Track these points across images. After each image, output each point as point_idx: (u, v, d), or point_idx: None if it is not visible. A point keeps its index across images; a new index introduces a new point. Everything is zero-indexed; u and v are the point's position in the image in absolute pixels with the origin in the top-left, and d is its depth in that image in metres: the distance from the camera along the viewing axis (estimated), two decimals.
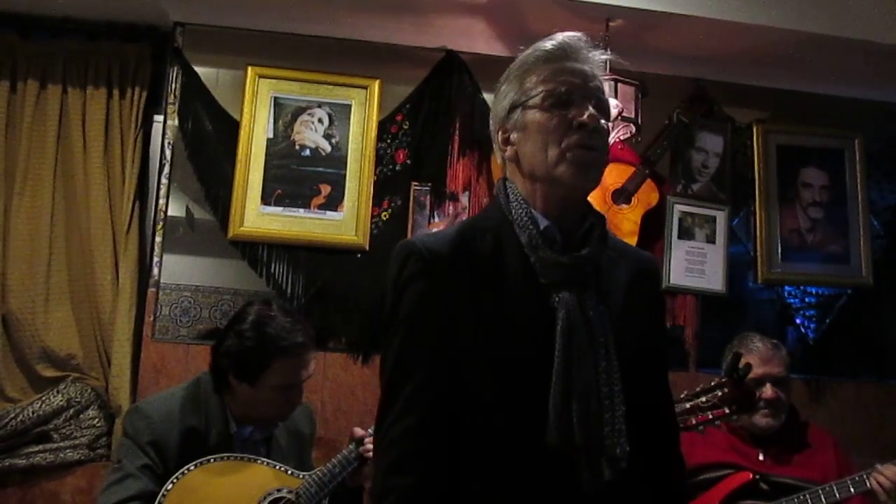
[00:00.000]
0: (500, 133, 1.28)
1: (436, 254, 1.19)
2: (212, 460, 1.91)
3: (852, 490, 2.12)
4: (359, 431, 2.03)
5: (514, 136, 1.25)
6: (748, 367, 1.84)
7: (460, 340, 1.16)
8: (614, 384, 1.16)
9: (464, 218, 2.97)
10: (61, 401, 2.71)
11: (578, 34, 1.27)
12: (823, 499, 2.14)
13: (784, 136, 3.26)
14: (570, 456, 1.12)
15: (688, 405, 1.85)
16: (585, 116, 1.19)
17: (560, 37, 1.26)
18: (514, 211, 1.23)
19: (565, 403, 1.12)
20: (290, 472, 1.99)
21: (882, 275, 3.24)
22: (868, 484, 2.10)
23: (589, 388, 1.14)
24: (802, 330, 3.19)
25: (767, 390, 2.29)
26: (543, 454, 1.12)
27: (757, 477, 2.23)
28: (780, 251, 3.19)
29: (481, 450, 1.14)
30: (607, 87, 2.37)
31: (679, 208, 3.11)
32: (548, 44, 1.26)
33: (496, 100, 1.30)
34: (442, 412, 1.15)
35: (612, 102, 2.60)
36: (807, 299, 3.24)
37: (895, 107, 3.35)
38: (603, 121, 1.22)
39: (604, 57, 1.29)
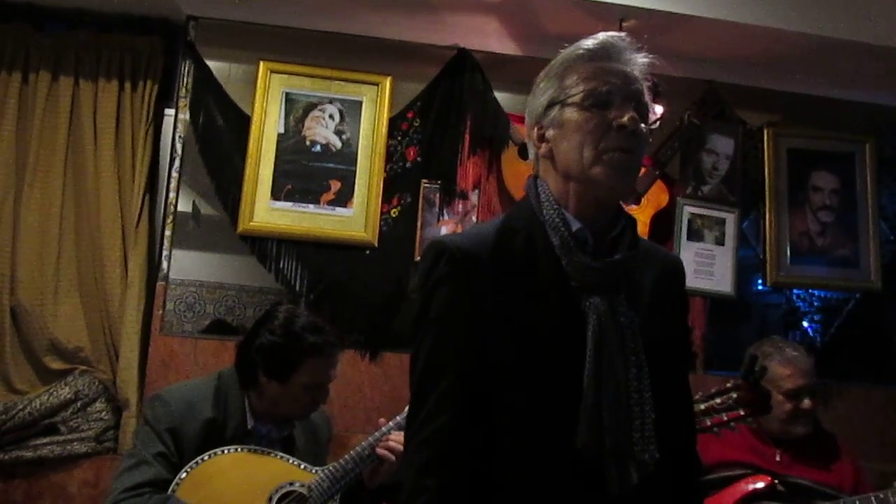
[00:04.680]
0: (535, 129, 1.26)
1: (467, 254, 1.18)
2: (227, 451, 1.92)
3: None
4: (382, 422, 2.03)
5: (549, 133, 1.23)
6: (763, 369, 1.83)
7: (491, 342, 1.15)
8: (644, 391, 1.15)
9: (473, 217, 2.98)
10: (69, 393, 2.71)
11: (622, 34, 1.25)
12: None
13: (795, 139, 3.26)
14: (599, 460, 1.12)
15: (703, 406, 1.84)
16: (625, 119, 1.17)
17: (603, 36, 1.24)
18: (545, 212, 1.21)
19: (596, 409, 1.12)
20: (303, 466, 1.99)
21: (891, 279, 3.23)
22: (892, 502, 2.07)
23: (619, 394, 1.13)
24: (810, 333, 3.19)
25: (807, 402, 2.26)
26: (572, 458, 1.12)
27: (776, 482, 2.20)
28: (789, 254, 3.19)
29: (511, 452, 1.14)
30: None
31: (689, 210, 3.11)
32: (590, 42, 1.23)
33: (533, 96, 1.28)
34: (473, 413, 1.14)
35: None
36: (815, 303, 3.24)
37: None
38: (642, 125, 1.19)
39: (646, 59, 1.25)
